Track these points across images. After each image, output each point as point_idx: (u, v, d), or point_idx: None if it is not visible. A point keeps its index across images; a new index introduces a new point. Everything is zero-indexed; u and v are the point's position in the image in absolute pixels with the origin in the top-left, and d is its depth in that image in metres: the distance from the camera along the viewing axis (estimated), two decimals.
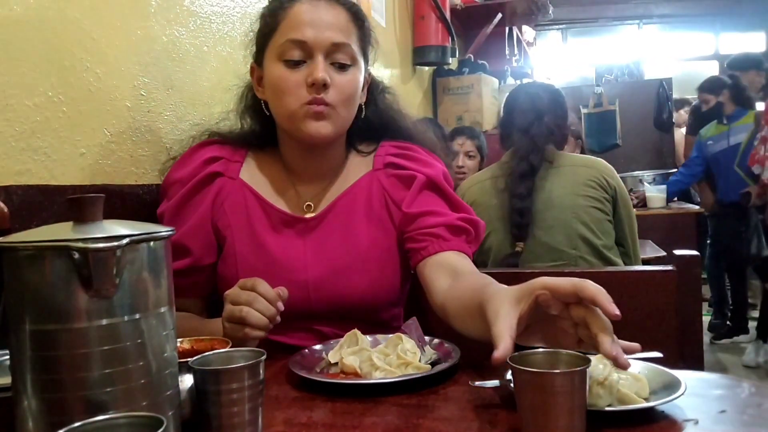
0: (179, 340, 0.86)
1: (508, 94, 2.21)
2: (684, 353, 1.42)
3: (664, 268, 1.47)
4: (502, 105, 2.19)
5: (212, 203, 1.20)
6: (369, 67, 1.25)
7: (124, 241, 0.58)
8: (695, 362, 1.42)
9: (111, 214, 1.21)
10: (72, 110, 1.16)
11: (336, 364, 0.95)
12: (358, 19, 1.18)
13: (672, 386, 0.77)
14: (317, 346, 1.04)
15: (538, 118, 2.00)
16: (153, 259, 0.62)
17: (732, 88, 4.29)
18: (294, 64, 1.12)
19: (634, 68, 6.13)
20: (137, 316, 0.60)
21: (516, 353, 0.70)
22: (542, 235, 1.88)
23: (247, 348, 0.75)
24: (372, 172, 1.26)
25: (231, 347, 0.81)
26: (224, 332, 0.95)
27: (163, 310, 0.63)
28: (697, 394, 0.80)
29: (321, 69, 1.11)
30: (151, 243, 0.62)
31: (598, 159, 2.01)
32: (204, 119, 1.49)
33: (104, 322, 0.58)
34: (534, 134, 1.97)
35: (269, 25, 1.16)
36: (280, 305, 0.95)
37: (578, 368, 0.65)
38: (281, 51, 1.13)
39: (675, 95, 5.48)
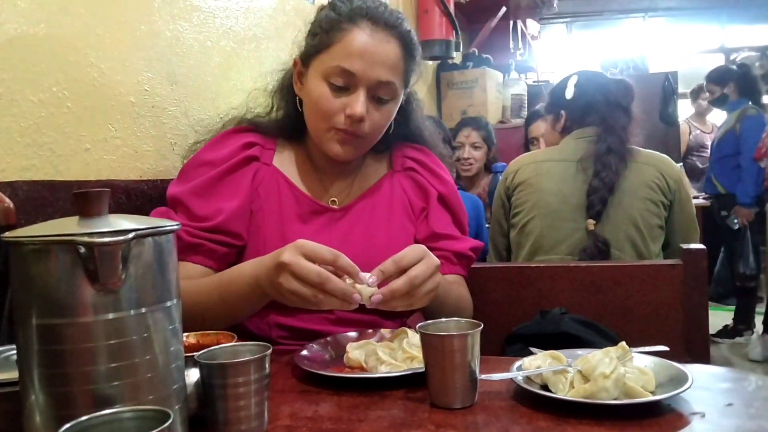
0: (185, 334, 0.86)
1: (574, 77, 2.04)
2: (690, 347, 1.42)
3: (671, 261, 1.46)
4: (568, 86, 2.02)
5: (250, 186, 1.20)
6: (407, 90, 1.26)
7: (130, 235, 0.58)
8: (701, 356, 1.42)
9: (116, 209, 1.22)
10: (76, 106, 1.16)
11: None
12: (410, 54, 1.19)
13: (678, 379, 0.77)
14: (321, 341, 1.04)
15: (618, 105, 1.91)
16: (159, 253, 0.62)
17: (739, 79, 4.24)
18: (337, 89, 1.13)
19: (639, 62, 6.09)
20: (143, 310, 0.60)
21: (429, 321, 0.85)
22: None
23: (253, 342, 0.75)
24: (392, 174, 1.32)
25: (236, 341, 0.81)
26: (279, 298, 0.94)
27: (169, 304, 0.63)
28: (703, 387, 0.80)
29: (361, 104, 1.12)
30: (157, 237, 0.62)
31: (665, 158, 1.89)
32: (208, 114, 1.49)
33: (110, 316, 0.58)
34: (616, 117, 1.88)
35: (323, 40, 1.15)
36: (357, 296, 0.90)
37: (468, 332, 0.79)
38: (328, 72, 1.13)
39: (680, 89, 5.44)
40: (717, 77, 4.43)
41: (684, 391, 0.74)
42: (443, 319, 0.85)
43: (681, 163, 4.95)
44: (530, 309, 1.50)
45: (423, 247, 0.97)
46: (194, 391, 0.73)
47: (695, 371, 0.79)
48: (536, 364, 0.83)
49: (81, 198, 0.61)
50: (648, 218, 1.80)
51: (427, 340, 0.78)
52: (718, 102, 4.46)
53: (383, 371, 0.88)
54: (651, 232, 1.80)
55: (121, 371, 0.59)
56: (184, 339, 0.85)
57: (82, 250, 0.56)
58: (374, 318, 1.14)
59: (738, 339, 4.23)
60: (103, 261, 0.57)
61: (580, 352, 0.89)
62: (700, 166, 5.26)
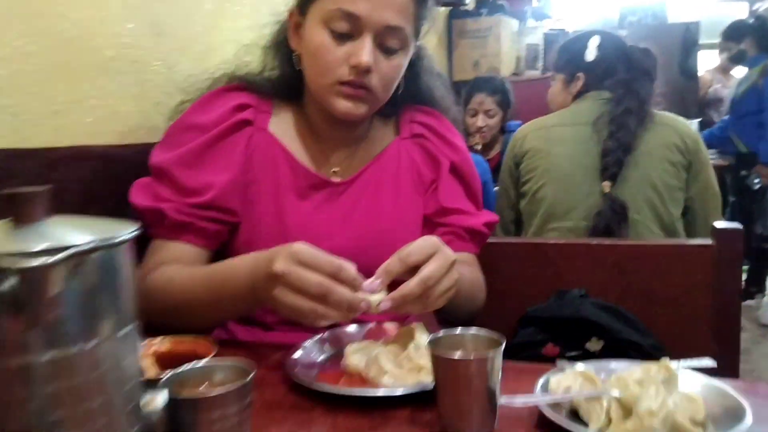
0: (157, 338, 0.75)
1: (596, 37, 1.92)
2: (718, 335, 1.32)
3: (702, 242, 1.35)
4: (589, 47, 1.90)
5: (243, 154, 1.08)
6: (418, 42, 1.12)
7: (66, 253, 0.45)
8: (730, 345, 1.31)
9: (93, 178, 1.10)
10: (43, 62, 1.03)
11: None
12: None
13: (733, 412, 0.65)
14: (315, 338, 0.93)
15: (644, 72, 1.79)
16: (108, 271, 0.50)
17: (755, 33, 4.02)
18: (339, 36, 1.00)
19: (659, 10, 5.83)
20: (92, 343, 0.48)
21: (439, 333, 0.73)
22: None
23: (231, 360, 0.64)
24: (399, 141, 1.20)
25: (215, 350, 0.71)
26: (276, 308, 0.80)
27: (125, 331, 0.51)
28: (765, 419, 0.68)
29: (367, 53, 0.99)
30: (107, 251, 0.49)
31: (680, 119, 1.79)
32: (198, 70, 1.34)
33: (48, 356, 0.46)
34: (641, 83, 1.77)
35: None
36: (364, 304, 0.77)
37: (488, 354, 0.66)
38: (329, 17, 1.00)
39: (702, 40, 5.20)
40: (732, 33, 4.23)
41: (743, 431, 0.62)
42: (458, 331, 0.73)
43: (700, 118, 4.77)
44: (546, 289, 1.40)
45: (435, 239, 0.84)
46: (164, 417, 0.62)
47: (751, 398, 0.67)
48: (565, 385, 0.71)
49: (11, 201, 0.48)
50: (667, 180, 1.71)
51: (439, 363, 0.67)
52: (736, 59, 4.26)
53: (386, 383, 0.78)
54: (671, 195, 1.71)
55: (68, 421, 0.47)
56: (156, 345, 0.74)
57: (7, 276, 0.44)
58: None
59: (749, 301, 4.15)
60: (32, 288, 0.45)
61: (613, 365, 0.79)
62: (715, 121, 5.08)
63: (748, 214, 4.02)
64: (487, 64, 3.38)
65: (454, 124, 1.27)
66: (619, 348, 1.23)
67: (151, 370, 0.70)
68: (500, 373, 0.66)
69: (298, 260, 0.76)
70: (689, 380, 0.73)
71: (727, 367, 1.33)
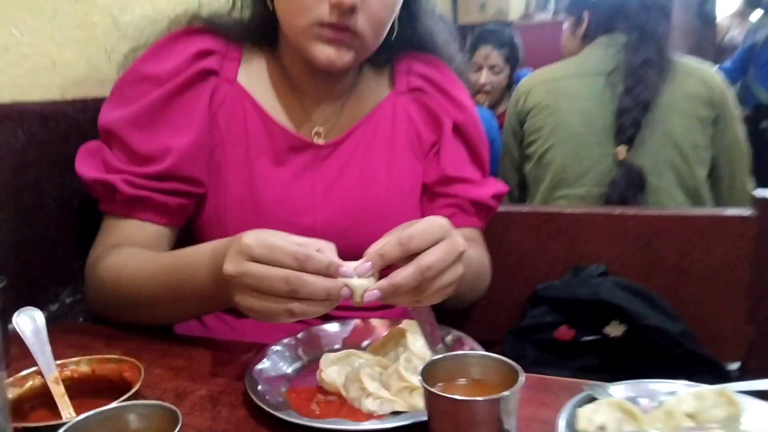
0: (74, 359, 0.59)
1: None
2: (755, 315, 1.17)
3: (740, 212, 1.18)
4: None
5: (207, 111, 0.93)
6: None
7: None
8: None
9: (28, 143, 0.92)
10: None
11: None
12: None
13: None
14: (287, 340, 0.77)
15: (659, 9, 1.57)
16: None
17: None
18: None
19: None
20: None
21: (437, 356, 0.56)
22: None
23: (154, 403, 0.48)
24: (395, 95, 1.04)
25: (141, 379, 0.55)
26: (246, 314, 0.65)
27: None
28: None
29: None
30: None
31: (705, 66, 1.61)
32: (155, 9, 1.16)
33: None
34: (656, 22, 1.56)
35: None
36: (345, 291, 0.62)
37: (500, 395, 0.49)
38: None
39: None
40: None
41: None
42: (461, 353, 0.57)
43: (717, 66, 4.55)
44: (560, 263, 1.25)
45: (444, 221, 0.66)
46: None
47: None
48: (598, 421, 0.55)
49: None
50: (691, 138, 1.52)
51: (434, 401, 0.51)
52: (754, 3, 4.00)
53: (369, 407, 0.62)
54: (696, 154, 1.53)
55: None
56: (72, 366, 0.58)
57: None
58: None
59: None
60: None
61: (654, 386, 0.63)
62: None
63: (765, 169, 3.84)
64: (494, 6, 3.15)
65: (459, 75, 1.09)
66: (643, 333, 1.09)
67: (61, 404, 0.54)
68: (516, 416, 0.50)
69: (250, 256, 0.60)
70: (750, 407, 0.57)
71: (762, 352, 1.19)
